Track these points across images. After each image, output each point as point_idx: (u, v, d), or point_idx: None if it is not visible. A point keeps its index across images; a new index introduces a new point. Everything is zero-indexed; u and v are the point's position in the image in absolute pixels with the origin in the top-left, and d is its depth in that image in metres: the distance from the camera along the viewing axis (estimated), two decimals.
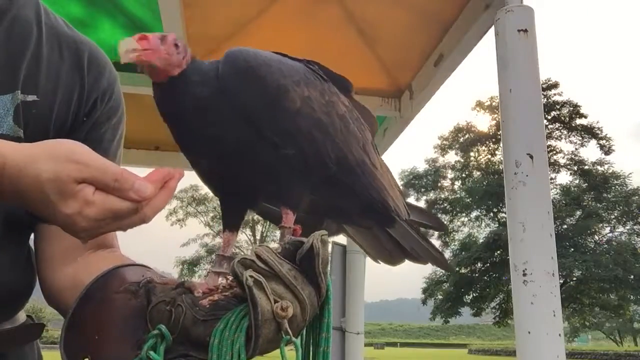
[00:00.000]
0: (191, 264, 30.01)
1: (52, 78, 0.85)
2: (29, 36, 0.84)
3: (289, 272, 0.61)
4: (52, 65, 0.86)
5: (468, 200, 26.47)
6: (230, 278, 0.71)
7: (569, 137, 26.21)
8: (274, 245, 0.70)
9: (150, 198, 0.64)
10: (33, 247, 0.91)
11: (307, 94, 0.79)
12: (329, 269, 0.64)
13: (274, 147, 0.76)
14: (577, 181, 25.83)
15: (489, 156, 26.79)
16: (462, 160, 27.34)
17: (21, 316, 0.89)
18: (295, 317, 0.61)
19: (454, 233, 27.22)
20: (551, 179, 25.13)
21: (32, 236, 0.90)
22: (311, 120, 0.78)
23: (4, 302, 0.83)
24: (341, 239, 2.47)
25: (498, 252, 24.20)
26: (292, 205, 0.78)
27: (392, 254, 0.98)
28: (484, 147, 26.93)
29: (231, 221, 0.84)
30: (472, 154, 27.20)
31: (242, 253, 0.70)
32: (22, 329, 0.87)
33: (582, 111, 26.18)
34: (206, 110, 0.75)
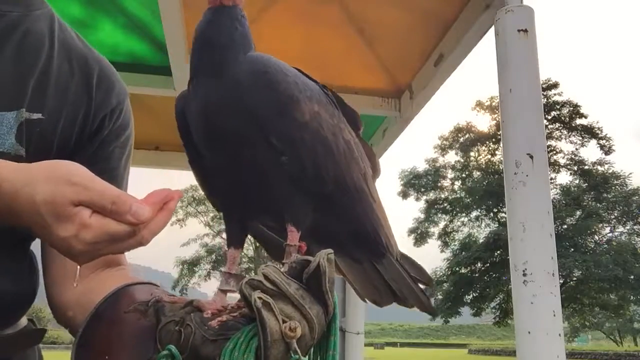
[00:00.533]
0: (191, 264, 30.01)
1: (59, 95, 0.84)
2: (40, 51, 0.83)
3: (296, 291, 0.61)
4: (61, 82, 0.85)
5: (468, 200, 26.47)
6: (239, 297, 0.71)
7: (569, 137, 26.22)
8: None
9: (148, 221, 0.62)
10: (36, 255, 0.91)
11: (317, 110, 0.79)
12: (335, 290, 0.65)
13: (274, 154, 0.76)
14: (577, 181, 25.83)
15: (489, 156, 26.80)
16: (462, 160, 27.34)
17: (22, 320, 0.89)
18: (304, 337, 0.61)
19: (454, 233, 27.24)
20: (551, 179, 25.14)
21: (33, 242, 0.90)
22: (317, 135, 0.78)
23: (6, 311, 0.83)
24: None
25: (498, 252, 24.20)
26: (297, 222, 0.77)
27: (382, 293, 0.96)
28: (484, 147, 26.94)
29: (235, 238, 0.84)
30: (472, 154, 27.20)
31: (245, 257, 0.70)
32: (24, 335, 0.87)
33: (582, 111, 26.21)
34: (228, 61, 0.76)
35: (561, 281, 22.17)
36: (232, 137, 0.76)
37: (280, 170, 0.76)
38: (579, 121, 26.07)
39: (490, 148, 26.63)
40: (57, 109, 0.83)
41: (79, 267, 0.67)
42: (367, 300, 0.98)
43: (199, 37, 0.79)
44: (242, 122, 0.75)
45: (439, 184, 27.48)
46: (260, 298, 0.59)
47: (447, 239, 27.02)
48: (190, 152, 0.85)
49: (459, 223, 27.45)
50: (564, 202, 24.45)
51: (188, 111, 0.81)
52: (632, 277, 22.00)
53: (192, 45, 0.80)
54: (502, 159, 1.35)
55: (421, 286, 0.97)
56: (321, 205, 0.80)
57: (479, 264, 25.27)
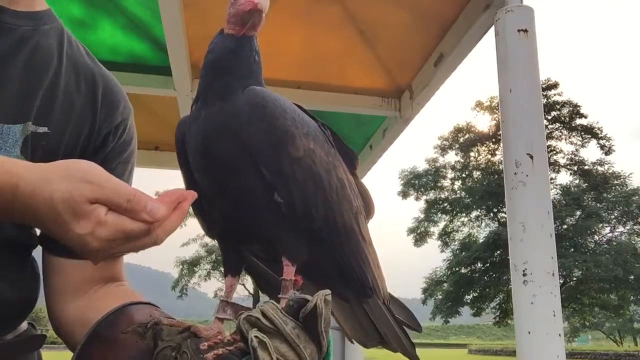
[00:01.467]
0: (191, 264, 29.98)
1: (65, 110, 0.85)
2: (49, 66, 0.84)
3: (292, 330, 0.63)
4: (67, 97, 0.85)
5: (468, 200, 26.45)
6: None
7: (569, 137, 26.21)
8: None
9: (162, 219, 0.63)
10: (39, 264, 0.91)
11: (312, 147, 0.80)
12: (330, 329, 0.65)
13: (266, 187, 0.76)
14: (577, 181, 25.83)
15: (489, 156, 26.78)
16: (462, 160, 27.32)
17: (22, 324, 0.89)
18: None
19: (453, 233, 27.23)
20: (551, 179, 25.13)
21: (34, 249, 0.90)
22: (309, 170, 0.79)
23: (8, 317, 0.83)
24: None
25: (498, 252, 24.19)
26: (292, 257, 0.78)
27: (368, 334, 0.96)
28: (484, 147, 26.92)
29: (232, 266, 0.84)
30: (472, 154, 27.18)
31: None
32: (25, 341, 0.87)
33: (582, 111, 26.19)
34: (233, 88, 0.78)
35: (561, 281, 22.17)
36: (226, 165, 0.77)
37: (272, 204, 0.77)
38: (579, 121, 26.06)
39: (490, 148, 26.62)
40: (63, 123, 0.84)
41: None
42: (354, 342, 0.98)
43: (216, 62, 0.80)
44: (237, 151, 0.76)
45: (439, 184, 27.46)
46: (256, 337, 0.60)
47: (447, 239, 27.00)
48: (187, 180, 0.85)
49: (459, 223, 27.44)
50: (564, 202, 24.43)
51: (188, 134, 0.81)
52: (632, 277, 21.99)
53: (205, 67, 0.81)
54: (502, 159, 1.35)
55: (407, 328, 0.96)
56: (310, 241, 0.81)
57: (479, 264, 25.25)
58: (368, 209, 0.96)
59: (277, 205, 0.77)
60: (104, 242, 0.61)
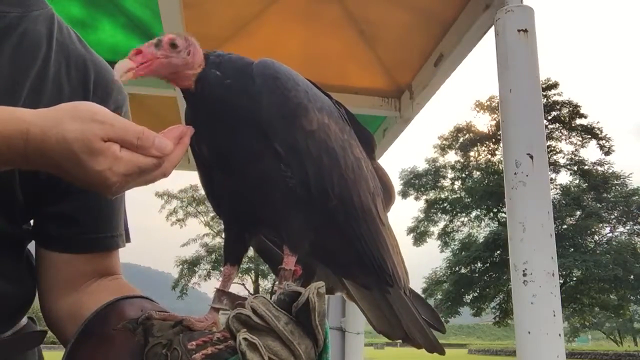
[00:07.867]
0: (191, 264, 29.97)
1: (55, 98, 0.83)
2: (37, 53, 0.82)
3: (285, 326, 0.59)
4: (57, 85, 0.84)
5: (468, 200, 26.46)
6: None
7: (569, 137, 26.23)
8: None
9: (169, 154, 0.68)
10: (34, 259, 0.90)
11: (327, 122, 0.77)
12: (326, 320, 0.62)
13: (279, 165, 0.73)
14: (577, 181, 25.84)
15: (489, 156, 26.80)
16: (462, 160, 27.34)
17: (22, 319, 0.88)
18: None
19: (453, 233, 27.24)
20: (551, 179, 25.13)
21: (29, 243, 0.89)
22: (324, 145, 0.76)
23: (8, 312, 0.83)
24: None
25: (498, 252, 24.20)
26: (294, 247, 0.75)
27: (393, 325, 0.92)
28: (484, 147, 26.93)
29: (232, 254, 0.82)
30: (472, 154, 27.20)
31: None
32: (25, 337, 0.87)
33: (582, 111, 26.22)
34: (228, 108, 0.75)
35: (561, 281, 22.16)
36: (235, 140, 0.74)
37: (284, 185, 0.73)
38: (579, 121, 26.09)
39: (490, 148, 26.63)
40: None
41: None
42: (380, 333, 0.95)
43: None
44: (246, 125, 0.73)
45: (439, 184, 27.48)
46: (245, 339, 0.57)
47: (447, 238, 27.01)
48: (198, 160, 0.83)
49: (458, 223, 27.46)
50: (564, 202, 24.44)
51: (195, 110, 0.79)
52: (632, 277, 22.00)
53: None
54: (502, 159, 1.35)
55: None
56: (324, 223, 0.77)
57: (479, 264, 25.27)
58: (389, 195, 0.92)
59: (288, 183, 0.73)
60: (122, 176, 0.65)
